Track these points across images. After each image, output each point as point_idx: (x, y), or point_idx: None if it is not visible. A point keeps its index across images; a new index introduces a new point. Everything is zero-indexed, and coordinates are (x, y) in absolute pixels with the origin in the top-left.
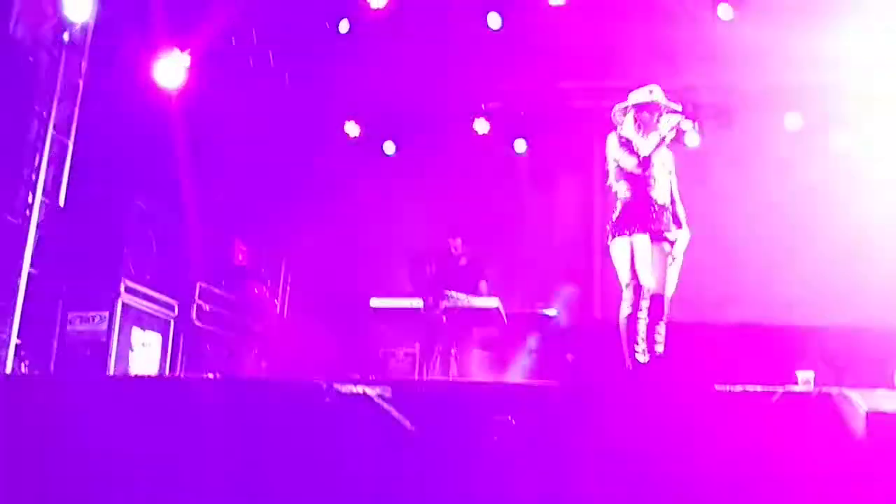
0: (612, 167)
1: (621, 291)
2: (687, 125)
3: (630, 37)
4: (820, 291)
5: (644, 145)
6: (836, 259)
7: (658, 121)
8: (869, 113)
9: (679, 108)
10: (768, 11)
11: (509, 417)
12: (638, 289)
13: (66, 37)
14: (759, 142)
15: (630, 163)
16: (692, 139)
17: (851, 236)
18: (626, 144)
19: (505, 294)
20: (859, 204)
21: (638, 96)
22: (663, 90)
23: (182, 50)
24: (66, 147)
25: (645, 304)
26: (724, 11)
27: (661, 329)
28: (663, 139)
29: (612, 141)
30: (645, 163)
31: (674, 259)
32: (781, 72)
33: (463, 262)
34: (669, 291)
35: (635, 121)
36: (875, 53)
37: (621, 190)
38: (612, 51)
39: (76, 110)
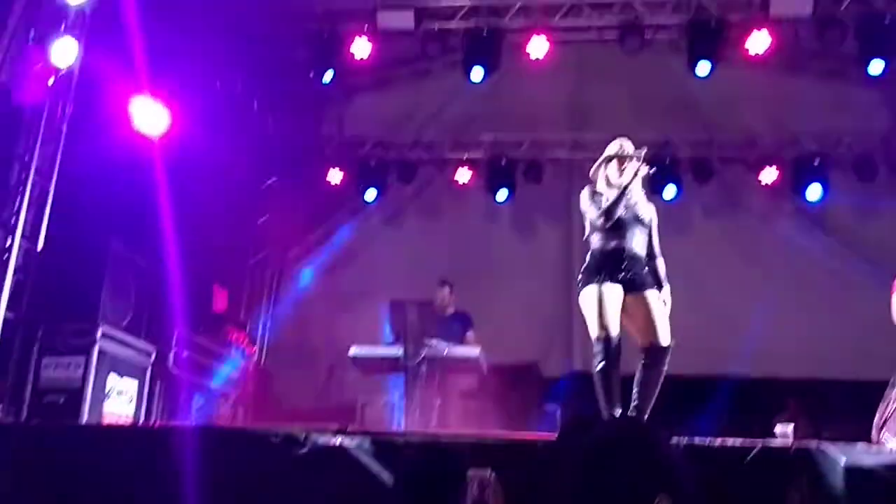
0: (585, 221)
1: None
2: (644, 171)
3: (609, 90)
4: (798, 345)
5: (610, 200)
6: (814, 312)
7: (622, 173)
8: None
9: (640, 154)
10: (744, 68)
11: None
12: (607, 340)
13: (50, 81)
14: (736, 195)
15: (595, 215)
16: (669, 192)
17: (827, 290)
18: (596, 198)
19: (485, 344)
20: (834, 258)
21: (608, 150)
22: (640, 142)
23: (165, 96)
24: (47, 191)
25: (614, 354)
26: (702, 68)
27: (641, 378)
28: (625, 189)
29: (583, 195)
30: (608, 215)
31: (652, 311)
32: (757, 126)
33: (450, 311)
34: (654, 340)
35: (606, 175)
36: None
37: (593, 241)
38: (590, 104)
39: (58, 154)
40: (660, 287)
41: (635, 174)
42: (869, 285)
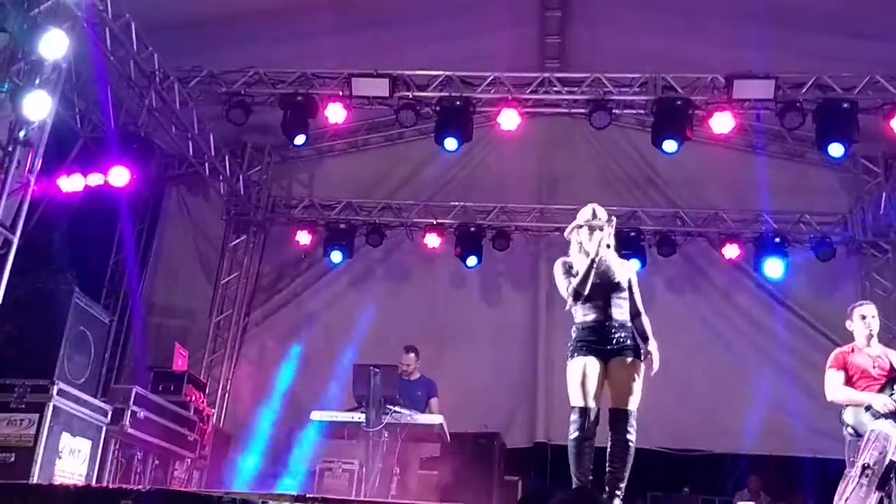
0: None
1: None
2: (611, 240)
3: (576, 163)
4: (759, 420)
5: (579, 276)
6: (774, 388)
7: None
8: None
9: (605, 223)
10: (709, 146)
11: None
12: (585, 411)
13: (21, 134)
14: (699, 269)
15: (568, 291)
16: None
17: (787, 366)
18: (569, 271)
19: (449, 411)
20: (795, 335)
21: (580, 214)
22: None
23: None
24: (10, 243)
25: (590, 425)
26: (669, 146)
27: (611, 448)
28: (592, 264)
29: (556, 268)
30: (576, 296)
31: (627, 377)
32: (721, 202)
33: (415, 377)
34: (619, 404)
35: (580, 241)
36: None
37: (575, 314)
38: (558, 176)
39: (24, 206)
40: (639, 354)
41: (599, 245)
42: (823, 363)
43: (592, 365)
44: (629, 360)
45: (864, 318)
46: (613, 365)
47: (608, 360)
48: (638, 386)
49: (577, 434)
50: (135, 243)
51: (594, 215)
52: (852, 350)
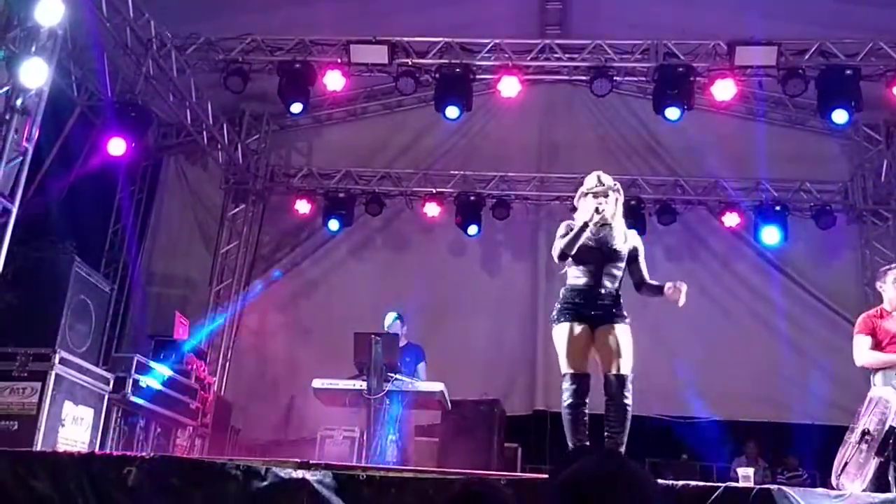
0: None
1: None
2: (607, 203)
3: (576, 131)
4: (757, 387)
5: (568, 239)
6: (772, 355)
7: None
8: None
9: (602, 189)
10: (709, 114)
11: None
12: (575, 377)
13: (18, 103)
14: (699, 237)
15: (556, 251)
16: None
17: (786, 334)
18: (567, 232)
19: (448, 378)
20: (793, 303)
21: (586, 182)
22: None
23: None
24: (9, 212)
25: (582, 391)
26: (672, 113)
27: (607, 413)
28: (582, 229)
29: (559, 229)
30: (562, 256)
31: (615, 342)
32: (721, 171)
33: (402, 343)
34: (614, 369)
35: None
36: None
37: (568, 276)
38: (558, 144)
39: (23, 175)
40: (624, 321)
41: (597, 212)
42: (823, 330)
43: (578, 330)
44: (615, 325)
45: (895, 281)
46: (600, 332)
47: (595, 327)
48: (628, 349)
49: (570, 400)
50: (133, 213)
51: (599, 181)
52: (880, 314)
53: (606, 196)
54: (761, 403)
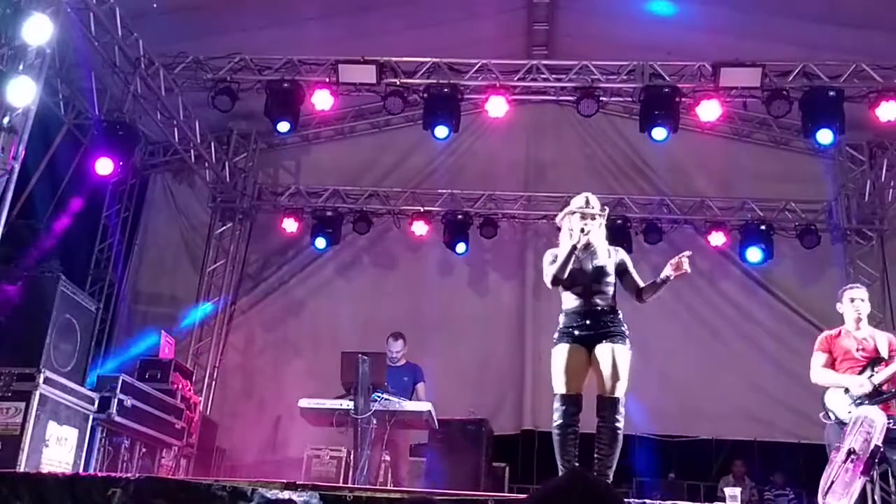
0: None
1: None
2: (593, 225)
3: (564, 151)
4: (743, 406)
5: (557, 264)
6: (758, 374)
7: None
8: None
9: (592, 211)
10: (695, 134)
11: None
12: (567, 398)
13: (5, 121)
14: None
15: (548, 278)
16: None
17: (771, 352)
18: (554, 259)
19: (436, 398)
20: (779, 322)
21: (573, 202)
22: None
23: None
24: None
25: (572, 412)
26: (658, 133)
27: (598, 434)
28: (571, 253)
29: (545, 258)
30: (554, 281)
31: (610, 363)
32: (707, 190)
33: (401, 363)
34: (606, 391)
35: (570, 229)
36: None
37: (562, 301)
38: (545, 163)
39: (9, 193)
40: (624, 340)
41: (584, 233)
42: (809, 349)
43: (576, 353)
44: (614, 346)
45: (852, 300)
46: (599, 351)
47: (593, 346)
48: (624, 372)
49: (560, 421)
50: (120, 231)
51: (587, 203)
52: (839, 333)
53: (594, 219)
54: (747, 422)
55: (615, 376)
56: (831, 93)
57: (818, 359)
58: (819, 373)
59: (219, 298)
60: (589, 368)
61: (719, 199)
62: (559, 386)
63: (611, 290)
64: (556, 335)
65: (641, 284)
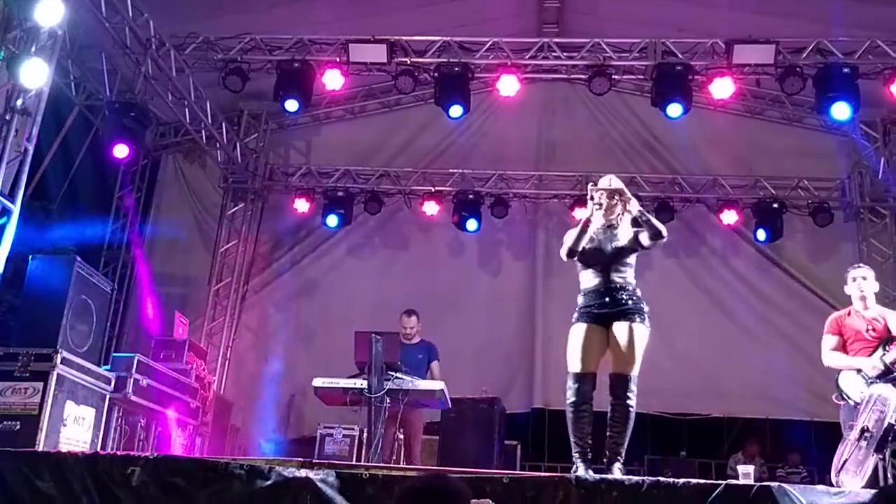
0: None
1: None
2: (611, 203)
3: (575, 129)
4: (754, 384)
5: (574, 236)
6: (770, 352)
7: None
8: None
9: (601, 191)
10: (708, 112)
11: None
12: (581, 376)
13: (18, 103)
14: (697, 234)
15: (563, 249)
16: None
17: (783, 330)
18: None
19: (448, 377)
20: (791, 299)
21: (600, 183)
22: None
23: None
24: (10, 212)
25: (586, 390)
26: (673, 110)
27: (610, 413)
28: (583, 229)
29: (565, 237)
30: (570, 254)
31: (626, 341)
32: (719, 168)
33: (415, 340)
34: (619, 369)
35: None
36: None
37: (581, 279)
38: (557, 142)
39: (24, 175)
40: (642, 318)
41: (604, 209)
42: (821, 327)
43: (593, 332)
44: (632, 324)
45: (855, 280)
46: (616, 329)
47: (610, 324)
48: (639, 351)
49: (573, 399)
50: (132, 212)
51: (609, 183)
52: (849, 313)
53: (612, 197)
54: (759, 400)
55: (630, 355)
56: (845, 69)
57: (828, 341)
58: (830, 356)
59: (231, 279)
60: (605, 348)
61: (732, 177)
62: (573, 364)
63: (630, 270)
64: (574, 315)
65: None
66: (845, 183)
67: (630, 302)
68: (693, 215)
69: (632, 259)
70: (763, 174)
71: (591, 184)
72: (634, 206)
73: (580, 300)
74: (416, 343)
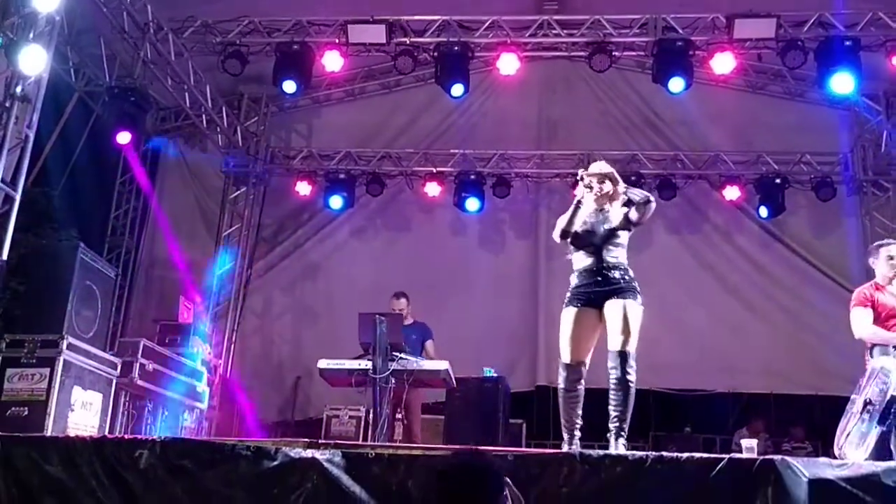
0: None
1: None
2: (600, 187)
3: (576, 107)
4: (757, 359)
5: (566, 217)
6: (772, 327)
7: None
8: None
9: (590, 174)
10: (709, 88)
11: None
12: (570, 364)
13: (18, 90)
14: (699, 211)
15: (556, 231)
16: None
17: (785, 305)
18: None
19: (452, 357)
20: (793, 274)
21: (591, 168)
22: (607, 159)
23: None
24: (12, 199)
25: (575, 378)
26: (675, 85)
27: (611, 390)
28: (575, 210)
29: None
30: (563, 235)
31: (620, 318)
32: (721, 144)
33: (408, 322)
34: (616, 345)
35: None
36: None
37: (573, 261)
38: (558, 121)
39: (25, 162)
40: (635, 296)
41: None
42: (824, 301)
43: (583, 317)
44: (625, 301)
45: (891, 258)
46: (609, 307)
47: (603, 303)
48: (634, 327)
49: (563, 385)
50: (134, 197)
51: (599, 169)
52: (877, 288)
53: (602, 182)
54: (764, 375)
55: (625, 331)
56: (847, 42)
57: (865, 314)
58: (870, 329)
59: (235, 263)
60: (598, 330)
61: (734, 152)
62: (564, 354)
63: (622, 250)
64: (567, 296)
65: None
66: (848, 157)
67: (622, 281)
68: (695, 192)
69: (624, 239)
70: (765, 149)
71: (581, 170)
72: (621, 187)
73: (573, 280)
74: (409, 324)
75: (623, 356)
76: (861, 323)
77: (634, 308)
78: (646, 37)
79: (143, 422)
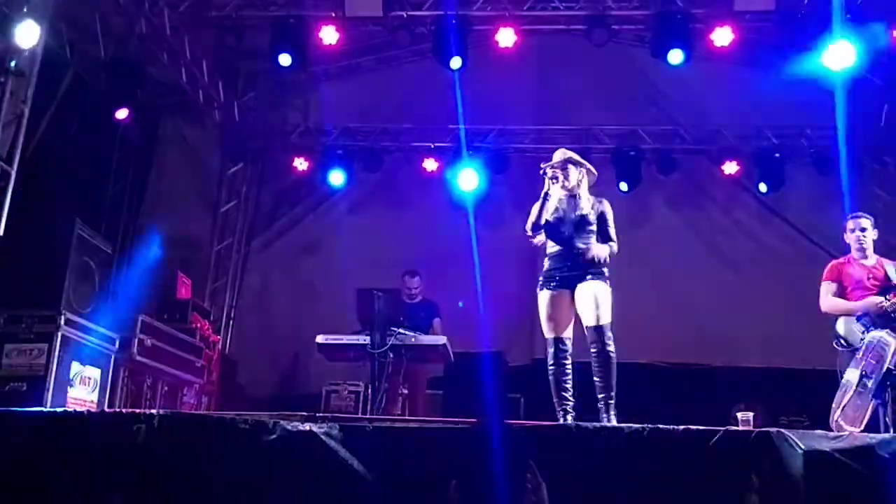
0: None
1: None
2: (566, 176)
3: (575, 82)
4: (756, 334)
5: (536, 211)
6: (772, 302)
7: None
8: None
9: (555, 165)
10: (709, 61)
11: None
12: (554, 344)
13: (12, 64)
14: (698, 186)
15: (528, 226)
16: (629, 184)
17: (785, 280)
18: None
19: (451, 332)
20: (793, 249)
21: (554, 157)
22: (606, 134)
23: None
24: (8, 175)
25: (562, 356)
26: (674, 57)
27: (594, 364)
28: (543, 202)
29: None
30: (534, 229)
31: (591, 295)
32: (721, 119)
33: (418, 299)
34: (592, 321)
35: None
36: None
37: (547, 246)
38: (556, 95)
39: (20, 138)
40: (603, 278)
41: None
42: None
43: (557, 298)
44: (594, 282)
45: (853, 230)
46: (579, 290)
47: (575, 286)
48: (605, 301)
49: (551, 362)
50: (132, 174)
51: (560, 157)
52: (847, 261)
53: (564, 169)
54: (761, 349)
55: (598, 307)
56: (847, 14)
57: (827, 287)
58: (830, 301)
59: (232, 239)
60: (573, 310)
61: (733, 126)
62: (546, 331)
63: (592, 237)
64: (539, 279)
65: (612, 237)
66: (848, 131)
67: (592, 266)
68: (694, 167)
69: (593, 227)
70: (765, 123)
71: (543, 163)
72: (592, 179)
73: (545, 263)
74: (418, 302)
75: (599, 330)
76: (823, 296)
77: (603, 288)
78: (645, 10)
79: (142, 398)
